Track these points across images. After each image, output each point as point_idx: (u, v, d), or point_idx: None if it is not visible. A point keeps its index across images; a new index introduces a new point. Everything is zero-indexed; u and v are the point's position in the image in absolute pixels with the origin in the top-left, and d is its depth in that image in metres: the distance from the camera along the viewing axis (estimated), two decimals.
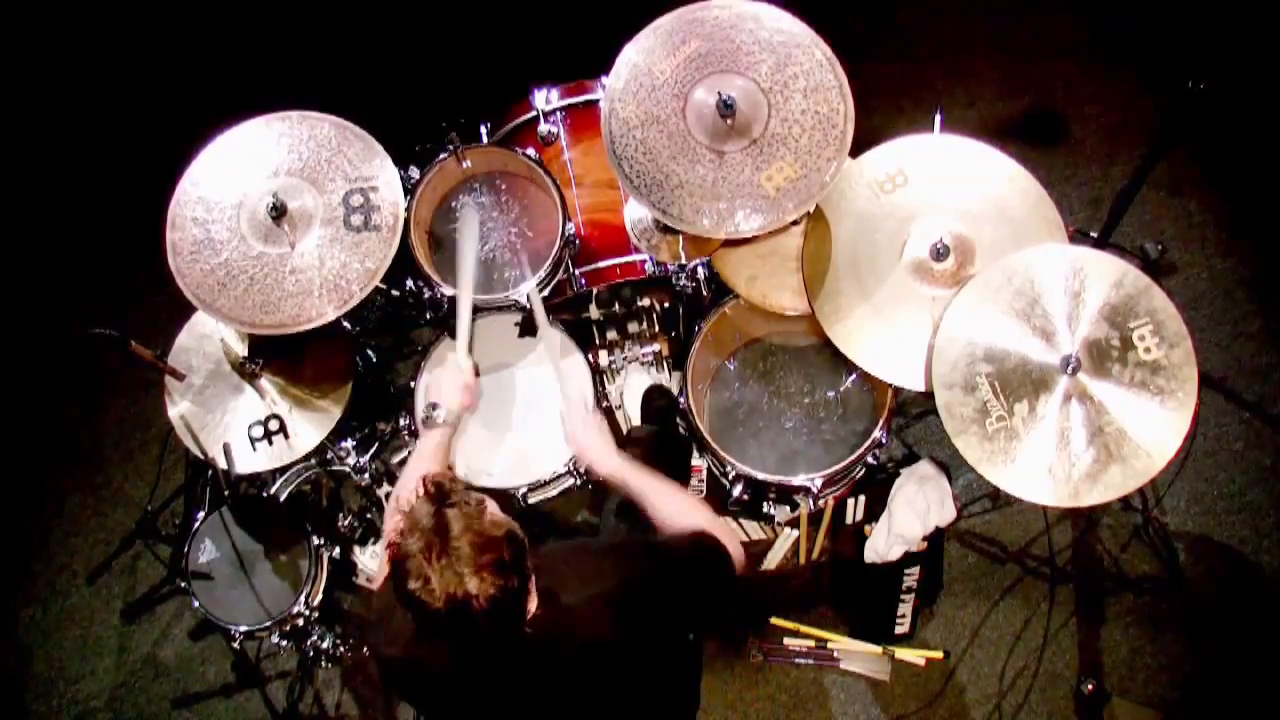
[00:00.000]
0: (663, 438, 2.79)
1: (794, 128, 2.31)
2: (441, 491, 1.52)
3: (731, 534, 1.94)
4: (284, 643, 2.78)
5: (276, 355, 2.60)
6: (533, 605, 1.60)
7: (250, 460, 2.56)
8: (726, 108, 2.27)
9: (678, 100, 2.34)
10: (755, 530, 2.91)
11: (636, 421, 2.98)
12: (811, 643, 2.94)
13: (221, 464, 2.53)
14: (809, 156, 2.30)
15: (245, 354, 2.59)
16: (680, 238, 2.62)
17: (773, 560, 2.92)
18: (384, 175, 2.49)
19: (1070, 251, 2.31)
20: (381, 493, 2.90)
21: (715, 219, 2.28)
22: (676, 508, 1.95)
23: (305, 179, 2.49)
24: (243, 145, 2.54)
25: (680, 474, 2.86)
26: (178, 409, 2.61)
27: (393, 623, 1.69)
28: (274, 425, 2.56)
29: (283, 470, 2.98)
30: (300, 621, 2.68)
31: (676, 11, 2.40)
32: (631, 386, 3.03)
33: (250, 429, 2.56)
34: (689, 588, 1.81)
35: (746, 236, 2.34)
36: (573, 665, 1.66)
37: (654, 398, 2.92)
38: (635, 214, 2.70)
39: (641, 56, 2.37)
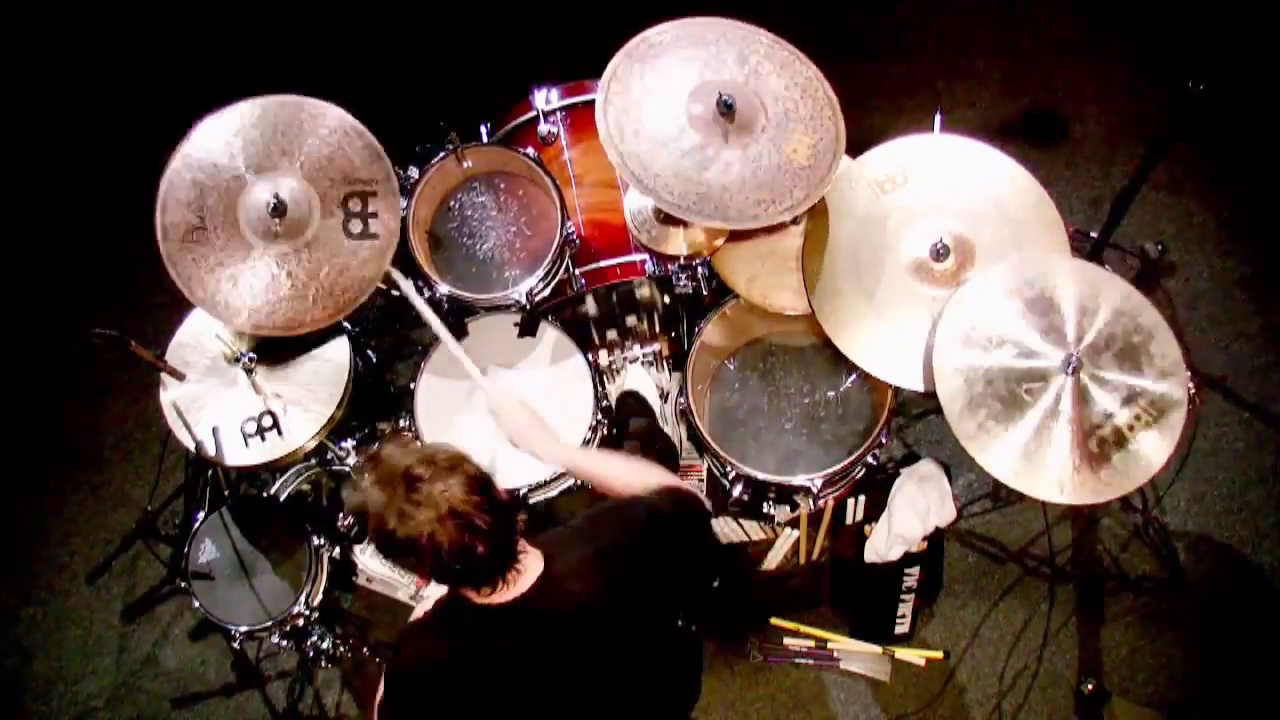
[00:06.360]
0: (656, 431, 2.80)
1: (788, 98, 2.35)
2: (375, 454, 1.61)
3: (690, 485, 2.01)
4: (284, 643, 2.78)
5: (272, 351, 2.60)
6: (534, 568, 1.65)
7: (242, 454, 2.56)
8: (727, 108, 2.28)
9: (680, 120, 2.34)
10: (755, 530, 2.91)
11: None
12: (811, 643, 2.94)
13: (209, 450, 2.53)
14: (815, 121, 2.34)
15: (241, 350, 2.58)
16: (682, 229, 2.61)
17: (773, 560, 2.92)
18: (383, 180, 2.48)
19: (1066, 263, 2.33)
20: None
21: (774, 204, 2.30)
22: (634, 473, 1.98)
23: (304, 177, 2.47)
24: (238, 125, 2.48)
25: (669, 465, 2.88)
26: (169, 396, 2.60)
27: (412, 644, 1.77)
28: (267, 421, 2.56)
29: (283, 470, 2.98)
30: (300, 621, 2.67)
31: (620, 53, 2.40)
32: (631, 387, 3.03)
33: (243, 424, 2.56)
34: (671, 535, 1.84)
35: (806, 210, 2.37)
36: (567, 630, 1.68)
37: (626, 401, 2.94)
38: (635, 205, 2.70)
39: (618, 100, 2.35)
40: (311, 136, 2.47)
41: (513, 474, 2.57)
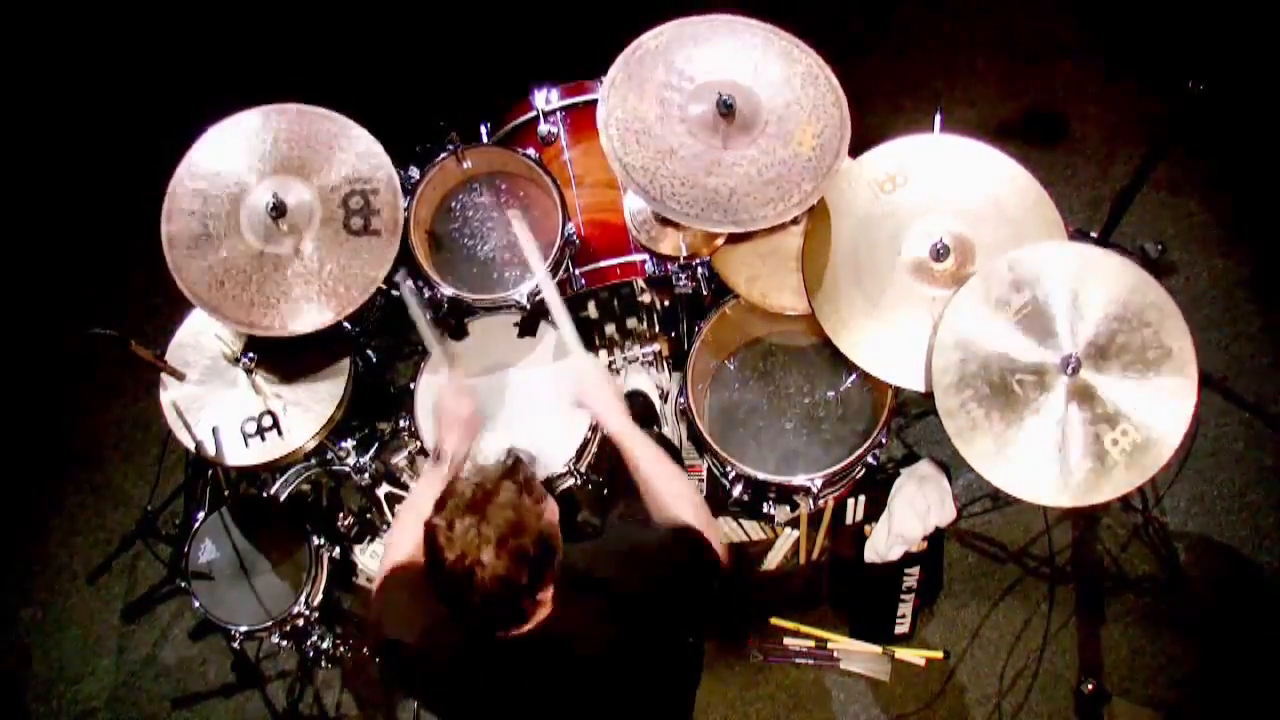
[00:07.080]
0: (659, 438, 2.79)
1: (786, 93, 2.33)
2: (515, 467, 1.58)
3: (714, 526, 1.96)
4: (284, 643, 2.78)
5: (273, 352, 2.60)
6: (543, 613, 1.63)
7: (242, 454, 2.56)
8: (726, 108, 2.27)
9: (681, 124, 2.33)
10: (755, 530, 2.91)
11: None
12: (811, 643, 2.94)
13: (209, 450, 2.54)
14: (818, 109, 2.31)
15: (241, 350, 2.59)
16: (682, 230, 2.61)
17: (773, 560, 2.92)
18: (383, 177, 2.49)
19: (1071, 249, 2.31)
20: (381, 492, 2.89)
21: (781, 202, 2.29)
22: (669, 493, 1.94)
23: (303, 176, 2.48)
24: (239, 136, 2.52)
25: None
26: (170, 396, 2.60)
27: (398, 609, 1.75)
28: (267, 421, 2.56)
29: (283, 470, 2.98)
30: (300, 621, 2.68)
31: (618, 60, 2.39)
32: (631, 387, 3.03)
33: (243, 424, 2.56)
34: (674, 586, 1.81)
35: (813, 203, 2.35)
36: (568, 668, 1.67)
37: (631, 402, 2.94)
38: (635, 205, 2.70)
39: (619, 109, 2.35)
40: (313, 142, 2.48)
41: None
